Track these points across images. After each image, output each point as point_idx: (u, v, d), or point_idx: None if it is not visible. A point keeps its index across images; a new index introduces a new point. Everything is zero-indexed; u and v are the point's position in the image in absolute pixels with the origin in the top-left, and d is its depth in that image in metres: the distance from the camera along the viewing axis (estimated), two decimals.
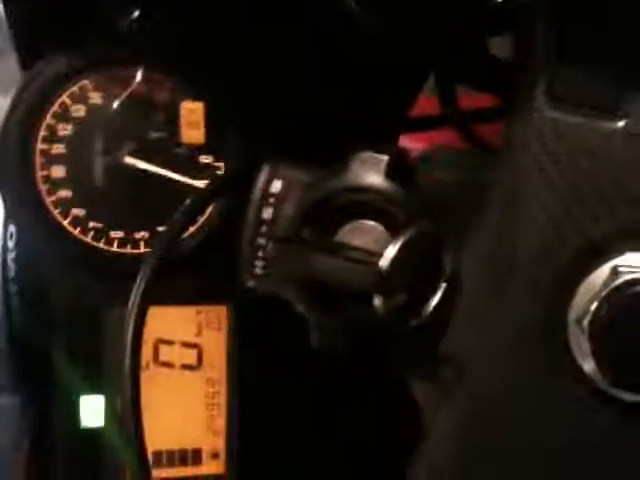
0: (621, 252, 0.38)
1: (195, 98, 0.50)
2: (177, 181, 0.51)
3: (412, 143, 0.68)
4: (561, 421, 0.39)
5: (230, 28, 0.49)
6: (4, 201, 0.51)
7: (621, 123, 0.37)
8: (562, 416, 0.39)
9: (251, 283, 0.43)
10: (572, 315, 0.38)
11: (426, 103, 0.57)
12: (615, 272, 0.37)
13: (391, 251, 0.38)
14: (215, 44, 0.49)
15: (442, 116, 0.57)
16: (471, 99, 0.57)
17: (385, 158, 0.41)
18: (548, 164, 0.38)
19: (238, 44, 0.50)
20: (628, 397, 0.38)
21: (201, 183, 0.51)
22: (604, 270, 0.38)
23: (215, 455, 0.54)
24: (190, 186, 0.51)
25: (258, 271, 0.43)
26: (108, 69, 0.50)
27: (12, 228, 0.53)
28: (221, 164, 0.52)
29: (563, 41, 0.38)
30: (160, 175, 0.50)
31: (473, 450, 0.41)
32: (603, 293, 0.37)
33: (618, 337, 0.37)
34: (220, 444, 0.54)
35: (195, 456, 0.54)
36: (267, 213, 0.43)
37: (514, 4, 0.42)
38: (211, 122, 0.50)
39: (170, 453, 0.53)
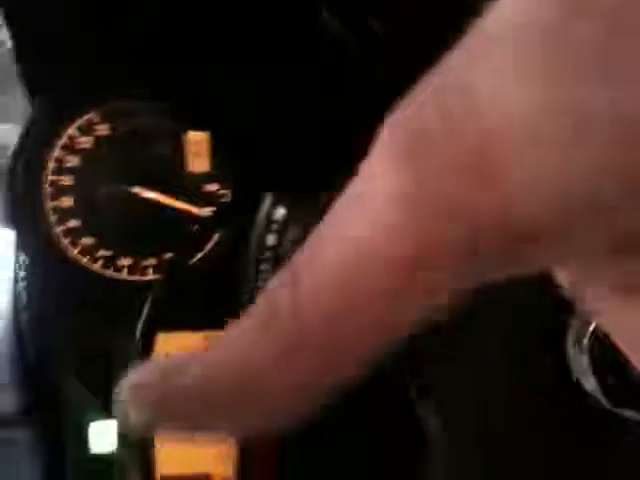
0: None
1: (200, 128, 0.51)
2: (183, 209, 0.52)
3: None
4: (564, 440, 0.40)
5: (231, 61, 0.50)
6: (15, 231, 0.51)
7: None
8: (564, 435, 0.39)
9: None
10: (572, 335, 0.39)
11: None
12: None
13: None
14: (218, 76, 0.50)
15: None
16: None
17: None
18: None
19: (241, 77, 0.51)
20: (630, 415, 0.38)
21: (207, 211, 0.52)
22: None
23: None
24: (196, 214, 0.52)
25: None
26: (114, 101, 0.51)
27: (23, 258, 0.54)
28: (226, 192, 0.52)
29: None
30: (167, 203, 0.51)
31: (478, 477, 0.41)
32: None
33: (618, 357, 0.37)
34: (230, 470, 0.54)
35: None
36: (271, 239, 0.43)
37: None
38: (216, 151, 0.51)
39: (179, 478, 0.54)
